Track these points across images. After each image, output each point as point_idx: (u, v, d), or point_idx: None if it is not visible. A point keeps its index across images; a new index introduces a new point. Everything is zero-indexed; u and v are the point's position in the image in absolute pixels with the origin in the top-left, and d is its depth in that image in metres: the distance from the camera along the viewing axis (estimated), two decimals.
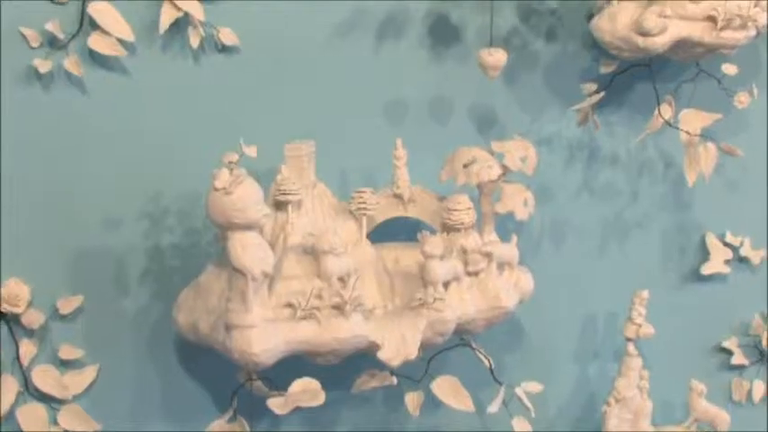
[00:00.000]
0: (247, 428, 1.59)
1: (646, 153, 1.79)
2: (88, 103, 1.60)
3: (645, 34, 1.57)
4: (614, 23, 1.58)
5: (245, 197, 1.37)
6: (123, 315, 1.64)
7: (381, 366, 1.53)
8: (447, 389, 1.60)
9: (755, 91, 1.66)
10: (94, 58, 1.59)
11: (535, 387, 1.65)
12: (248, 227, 1.38)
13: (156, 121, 1.62)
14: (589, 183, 1.78)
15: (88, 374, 1.62)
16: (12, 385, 1.57)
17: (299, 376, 1.49)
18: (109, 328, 1.64)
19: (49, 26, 1.55)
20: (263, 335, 1.40)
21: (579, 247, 1.78)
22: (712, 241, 1.81)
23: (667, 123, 1.67)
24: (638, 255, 1.80)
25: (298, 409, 1.49)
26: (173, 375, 1.67)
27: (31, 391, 1.59)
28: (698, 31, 1.59)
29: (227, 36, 1.61)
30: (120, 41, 1.58)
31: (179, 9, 1.57)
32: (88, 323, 1.63)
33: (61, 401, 1.60)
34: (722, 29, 1.59)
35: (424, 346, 1.51)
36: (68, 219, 1.61)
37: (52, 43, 1.57)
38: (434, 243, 1.49)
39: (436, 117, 1.71)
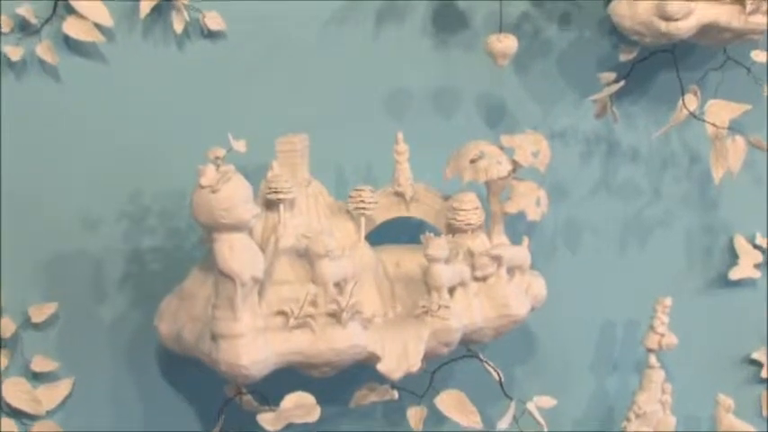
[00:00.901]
0: None
1: (669, 147, 1.79)
2: (63, 93, 1.60)
3: (668, 19, 1.57)
4: (634, 7, 1.58)
5: (233, 195, 1.36)
6: (101, 323, 1.64)
7: (381, 379, 1.53)
8: (452, 404, 1.60)
9: None
10: (70, 44, 1.59)
11: (548, 402, 1.65)
12: (236, 228, 1.38)
13: (136, 113, 1.62)
14: (607, 180, 1.78)
15: (63, 388, 1.62)
16: None
17: (292, 390, 1.49)
18: (85, 337, 1.64)
19: (21, 10, 1.55)
20: (252, 345, 1.40)
21: (596, 250, 1.78)
22: (741, 243, 1.81)
23: (692, 115, 1.66)
24: (661, 258, 1.80)
25: (291, 426, 1.49)
26: (154, 389, 1.67)
27: (1, 405, 1.59)
28: (725, 16, 1.59)
29: (214, 20, 1.61)
30: (98, 26, 1.58)
31: None
32: (63, 332, 1.63)
33: (34, 417, 1.60)
34: (751, 13, 1.59)
35: (428, 358, 1.51)
36: (41, 219, 1.61)
37: (24, 28, 1.57)
38: (439, 245, 1.49)
39: (441, 109, 1.71)
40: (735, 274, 1.80)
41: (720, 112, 1.66)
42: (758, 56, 1.63)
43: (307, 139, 1.56)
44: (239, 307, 1.38)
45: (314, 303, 1.43)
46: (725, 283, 1.82)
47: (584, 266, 1.78)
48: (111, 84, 1.61)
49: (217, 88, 1.64)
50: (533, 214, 1.59)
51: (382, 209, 1.59)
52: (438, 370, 1.62)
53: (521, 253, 1.58)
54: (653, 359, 1.72)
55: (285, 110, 1.65)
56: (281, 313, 1.43)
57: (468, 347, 1.61)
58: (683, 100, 1.66)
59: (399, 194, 1.60)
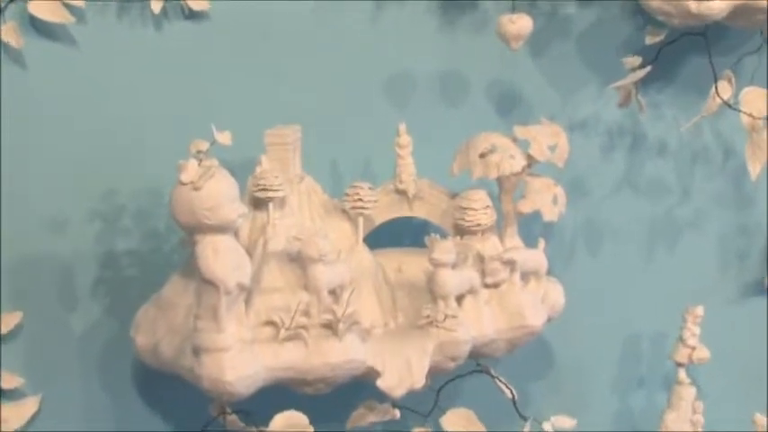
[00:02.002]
0: None
1: (700, 140, 1.79)
2: (29, 80, 1.60)
3: None
4: None
5: (218, 193, 1.36)
6: (70, 335, 1.65)
7: (381, 397, 1.53)
8: (460, 424, 1.60)
9: None
10: (36, 26, 1.59)
11: (567, 422, 1.65)
12: (221, 229, 1.38)
13: (109, 102, 1.62)
14: (632, 176, 1.78)
15: (29, 406, 1.62)
16: None
17: (283, 409, 1.50)
18: (53, 351, 1.64)
19: None
20: (238, 359, 1.40)
21: (620, 254, 1.78)
22: None
23: (726, 104, 1.66)
24: (691, 263, 1.80)
25: None
26: (130, 408, 1.67)
27: None
28: None
29: (196, 0, 1.61)
30: (67, 6, 1.58)
31: None
32: (29, 345, 1.63)
33: None
34: None
35: (433, 373, 1.51)
36: (5, 220, 1.61)
37: None
38: (445, 249, 1.49)
39: (447, 97, 1.71)
40: None
41: (757, 100, 1.65)
42: None
43: (299, 131, 1.56)
44: (224, 317, 1.38)
45: (306, 313, 1.43)
46: (761, 290, 1.81)
47: (607, 272, 1.78)
48: (82, 70, 1.61)
49: (199, 75, 1.63)
50: (550, 214, 1.59)
51: (382, 208, 1.59)
52: (444, 387, 1.61)
53: (536, 257, 1.58)
54: (683, 374, 1.72)
55: (275, 98, 1.65)
56: (271, 324, 1.43)
57: (478, 362, 1.61)
58: (715, 87, 1.66)
59: (401, 192, 1.60)
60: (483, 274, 1.54)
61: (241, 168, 1.52)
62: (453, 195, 1.60)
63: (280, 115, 1.58)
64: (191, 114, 1.60)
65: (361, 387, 1.52)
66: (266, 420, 1.50)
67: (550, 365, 1.79)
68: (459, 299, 1.51)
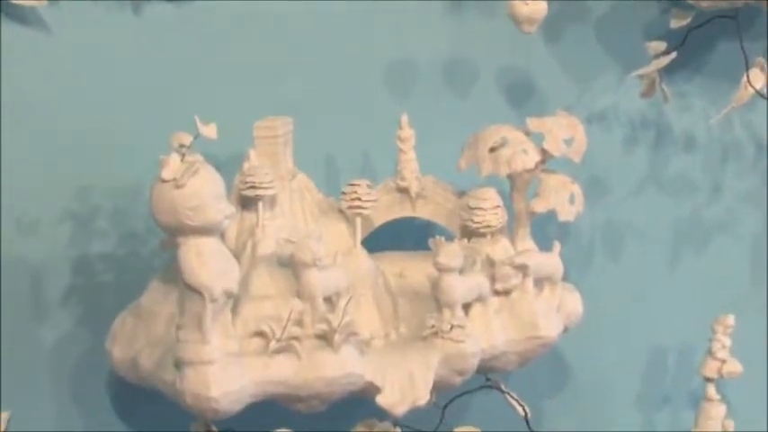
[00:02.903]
0: None
1: (730, 134, 1.79)
2: None
3: None
4: None
5: (202, 192, 1.36)
6: (40, 347, 1.65)
7: (382, 415, 1.53)
8: None
9: None
10: (4, 8, 1.59)
11: None
12: (206, 231, 1.37)
13: (84, 91, 1.62)
14: (656, 173, 1.78)
15: None
16: None
17: (273, 428, 1.50)
18: (22, 363, 1.64)
19: None
20: (224, 373, 1.40)
21: (643, 258, 1.79)
22: None
23: (759, 94, 1.66)
24: (721, 268, 1.80)
25: None
26: (105, 426, 1.67)
27: None
28: None
29: None
30: None
31: None
32: None
33: None
34: None
35: (439, 389, 1.51)
36: None
37: None
38: (451, 252, 1.49)
39: (454, 86, 1.71)
40: None
41: None
42: None
43: (291, 123, 1.55)
44: (209, 327, 1.38)
45: (299, 323, 1.43)
46: None
47: (628, 278, 1.78)
48: (54, 56, 1.61)
49: (182, 62, 1.64)
50: (566, 214, 1.59)
51: (382, 208, 1.59)
52: (450, 403, 1.61)
53: (551, 261, 1.58)
54: (712, 390, 1.72)
55: (265, 88, 1.65)
56: (260, 335, 1.43)
57: (488, 376, 1.61)
58: (747, 76, 1.66)
59: (403, 190, 1.60)
60: (493, 280, 1.53)
61: (228, 164, 1.52)
62: (460, 194, 1.60)
63: (270, 106, 1.58)
64: (172, 105, 1.61)
65: (359, 404, 1.51)
66: None
67: (566, 380, 1.79)
68: (467, 307, 1.51)
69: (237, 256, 1.46)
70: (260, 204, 1.49)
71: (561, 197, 1.58)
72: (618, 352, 1.79)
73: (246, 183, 1.49)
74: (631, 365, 1.81)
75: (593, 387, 1.79)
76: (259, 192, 1.48)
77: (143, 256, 1.64)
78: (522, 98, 1.73)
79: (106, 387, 1.66)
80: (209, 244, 1.38)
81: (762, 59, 1.67)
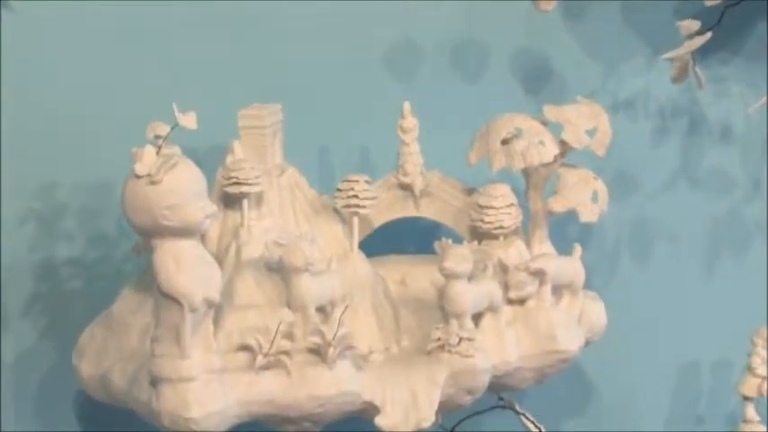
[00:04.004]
0: None
1: None
2: None
3: None
4: None
5: (180, 188, 1.36)
6: (1, 362, 1.65)
7: None
8: None
9: None
10: None
11: None
12: (184, 232, 1.37)
13: (49, 78, 1.63)
14: (689, 167, 1.78)
15: None
16: None
17: None
18: None
19: None
20: (205, 392, 1.40)
21: (674, 263, 1.79)
22: None
23: None
24: (762, 273, 1.81)
25: None
26: None
27: None
28: None
29: None
30: None
31: None
32: None
33: None
34: None
35: (445, 409, 1.51)
36: None
37: None
38: (459, 257, 1.49)
39: (462, 70, 1.72)
40: None
41: None
42: None
43: (280, 111, 1.55)
44: (188, 340, 1.38)
45: (289, 335, 1.43)
46: None
47: (658, 285, 1.79)
48: (13, 38, 1.61)
49: (158, 44, 1.64)
50: (588, 214, 1.59)
51: (382, 206, 1.60)
52: (459, 425, 1.62)
53: (571, 267, 1.58)
54: (751, 410, 1.72)
55: (251, 71, 1.66)
56: (245, 348, 1.43)
57: (500, 395, 1.61)
58: None
59: (406, 187, 1.60)
60: (506, 287, 1.54)
61: (209, 157, 1.52)
62: (470, 191, 1.60)
63: (257, 93, 1.58)
64: (147, 91, 1.61)
65: (356, 426, 1.52)
66: None
67: (588, 399, 1.79)
68: (477, 318, 1.51)
69: (220, 260, 1.46)
70: (245, 203, 1.49)
71: (583, 195, 1.58)
72: (646, 368, 1.79)
73: (230, 178, 1.48)
74: (661, 383, 1.81)
75: (618, 407, 1.80)
76: (244, 188, 1.48)
77: (114, 261, 1.64)
78: (539, 84, 1.73)
79: (73, 407, 1.66)
80: (188, 247, 1.38)
81: None
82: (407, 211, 1.61)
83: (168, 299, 1.37)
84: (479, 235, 1.57)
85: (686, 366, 1.82)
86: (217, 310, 1.42)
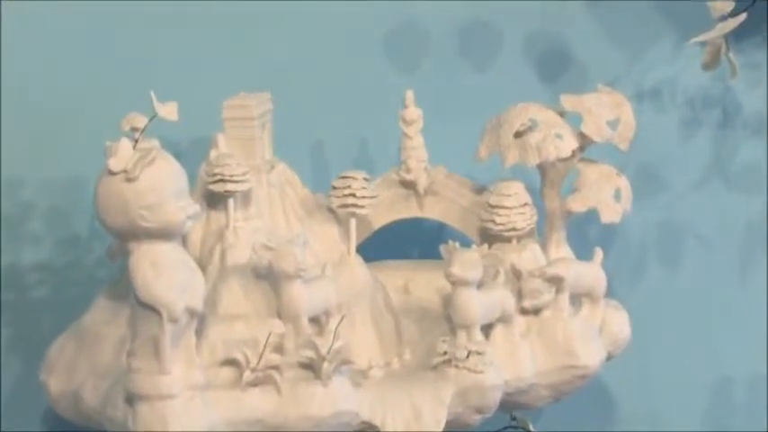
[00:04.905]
0: None
1: None
2: None
3: None
4: None
5: (159, 186, 1.36)
6: None
7: None
8: None
9: None
10: None
11: None
12: (164, 234, 1.37)
13: (13, 65, 1.63)
14: (722, 162, 1.79)
15: None
16: None
17: None
18: None
19: None
20: (187, 411, 1.39)
21: (705, 268, 1.80)
22: None
23: None
24: None
25: None
26: None
27: None
28: None
29: None
30: None
31: None
32: None
33: None
34: None
35: (453, 429, 1.51)
36: None
37: None
38: (468, 262, 1.48)
39: (471, 56, 1.72)
40: None
41: None
42: None
43: (269, 101, 1.55)
44: (167, 354, 1.38)
45: (280, 348, 1.43)
46: None
47: (688, 293, 1.79)
48: None
49: (134, 26, 1.64)
50: (610, 214, 1.59)
51: (383, 206, 1.60)
52: None
53: (591, 273, 1.58)
54: None
55: (237, 57, 1.66)
56: (231, 363, 1.43)
57: (513, 414, 1.61)
58: None
59: (408, 184, 1.60)
60: (519, 295, 1.54)
61: (191, 152, 1.53)
62: (479, 189, 1.60)
63: (244, 80, 1.57)
64: (123, 79, 1.61)
65: None
66: None
67: (610, 420, 1.80)
68: (488, 329, 1.51)
69: (203, 265, 1.46)
70: (230, 202, 1.49)
71: (604, 193, 1.58)
72: (674, 384, 1.80)
73: (214, 175, 1.48)
74: (691, 401, 1.82)
75: (643, 428, 1.80)
76: (229, 186, 1.48)
77: (86, 266, 1.64)
78: (556, 71, 1.73)
79: (41, 427, 1.66)
80: (167, 251, 1.37)
81: None
82: (410, 211, 1.62)
83: (146, 308, 1.37)
84: (490, 237, 1.57)
85: (718, 382, 1.82)
86: (200, 321, 1.42)
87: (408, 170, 1.59)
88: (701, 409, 1.82)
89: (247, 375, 1.42)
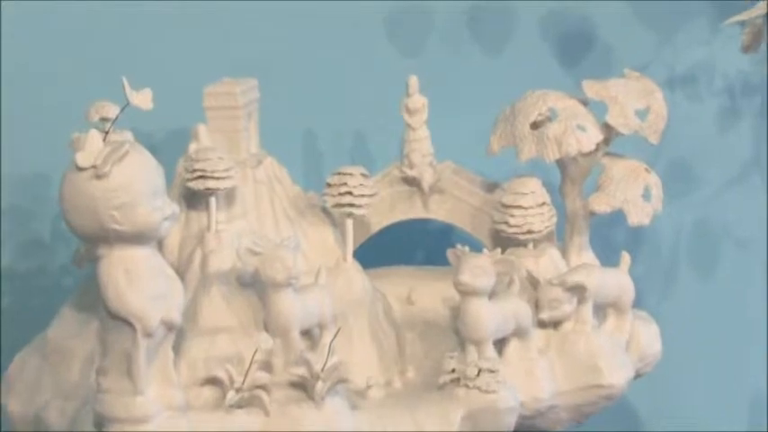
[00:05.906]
0: None
1: None
2: None
3: None
4: None
5: (132, 184, 1.35)
6: None
7: None
8: None
9: None
10: None
11: None
12: (137, 238, 1.37)
13: None
14: (763, 157, 1.79)
15: None
16: None
17: None
18: None
19: None
20: None
21: (743, 274, 1.80)
22: None
23: None
24: None
25: None
26: None
27: None
28: None
29: None
30: None
31: None
32: None
33: None
34: None
35: None
36: None
37: None
38: (478, 268, 1.48)
39: (481, 39, 1.73)
40: None
41: None
42: None
43: (256, 88, 1.55)
44: (142, 372, 1.38)
45: (268, 366, 1.43)
46: None
47: (723, 302, 1.79)
48: None
49: (104, 6, 1.65)
50: (639, 215, 1.58)
51: (383, 206, 1.60)
52: None
53: (617, 281, 1.57)
54: None
55: (221, 40, 1.67)
56: (214, 382, 1.43)
57: None
58: None
59: (412, 181, 1.60)
60: (537, 306, 1.53)
61: (169, 145, 1.53)
62: (491, 187, 1.60)
63: (227, 65, 1.57)
64: (92, 65, 1.62)
65: None
66: None
67: None
68: (501, 345, 1.51)
69: (182, 273, 1.46)
70: (212, 201, 1.49)
71: (632, 192, 1.58)
72: (708, 403, 1.81)
73: (194, 171, 1.48)
74: (726, 420, 1.82)
75: None
76: (211, 183, 1.48)
77: (50, 273, 1.65)
78: (578, 54, 1.74)
79: None
80: (141, 257, 1.37)
81: None
82: (414, 211, 1.61)
83: (117, 321, 1.36)
84: (503, 241, 1.56)
85: (756, 399, 1.83)
86: (178, 335, 1.41)
87: (411, 165, 1.59)
88: (737, 427, 1.83)
89: (231, 396, 1.41)
